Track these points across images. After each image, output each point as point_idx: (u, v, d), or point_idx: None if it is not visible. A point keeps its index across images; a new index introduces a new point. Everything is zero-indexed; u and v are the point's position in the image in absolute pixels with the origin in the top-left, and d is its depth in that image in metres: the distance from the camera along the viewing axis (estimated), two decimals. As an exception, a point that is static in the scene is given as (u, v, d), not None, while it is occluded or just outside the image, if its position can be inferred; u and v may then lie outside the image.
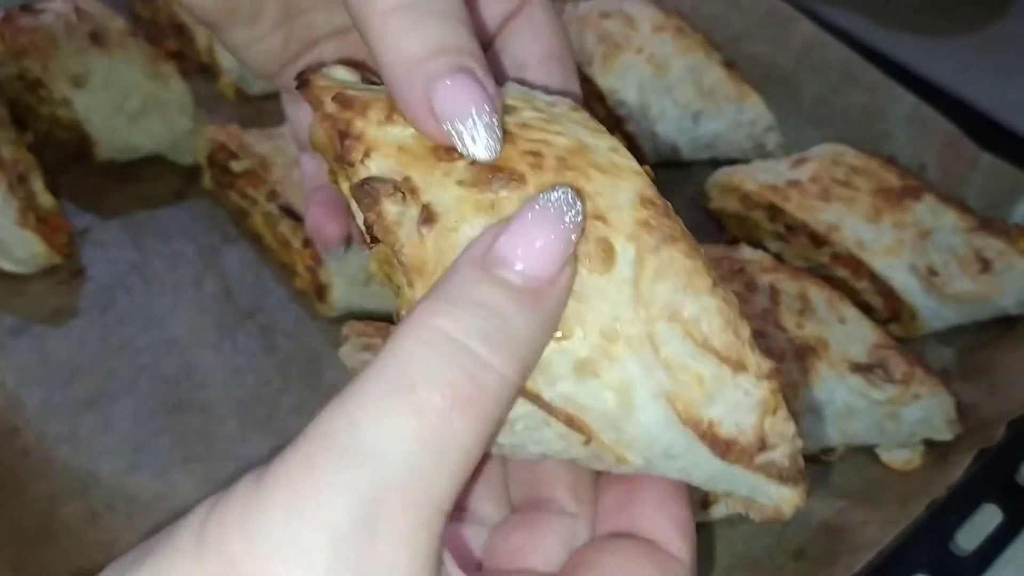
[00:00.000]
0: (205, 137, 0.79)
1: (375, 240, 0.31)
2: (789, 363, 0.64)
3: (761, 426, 0.31)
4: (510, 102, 0.33)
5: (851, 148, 0.80)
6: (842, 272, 0.75)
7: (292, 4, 0.39)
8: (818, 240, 0.75)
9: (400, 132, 0.31)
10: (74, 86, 0.79)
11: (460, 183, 0.30)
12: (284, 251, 0.75)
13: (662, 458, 0.32)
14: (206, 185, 0.81)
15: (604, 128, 0.33)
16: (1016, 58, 1.03)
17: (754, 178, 0.78)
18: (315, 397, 0.69)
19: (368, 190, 0.30)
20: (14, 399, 0.66)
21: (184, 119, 0.82)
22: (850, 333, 0.66)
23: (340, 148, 0.31)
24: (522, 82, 0.37)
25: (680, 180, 0.86)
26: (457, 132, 0.30)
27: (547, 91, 0.35)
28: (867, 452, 0.66)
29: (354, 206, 0.32)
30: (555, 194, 0.29)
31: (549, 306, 0.28)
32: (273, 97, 0.90)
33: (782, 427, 0.31)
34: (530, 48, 0.38)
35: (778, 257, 0.73)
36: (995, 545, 0.60)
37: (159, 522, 0.61)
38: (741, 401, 0.31)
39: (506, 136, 0.31)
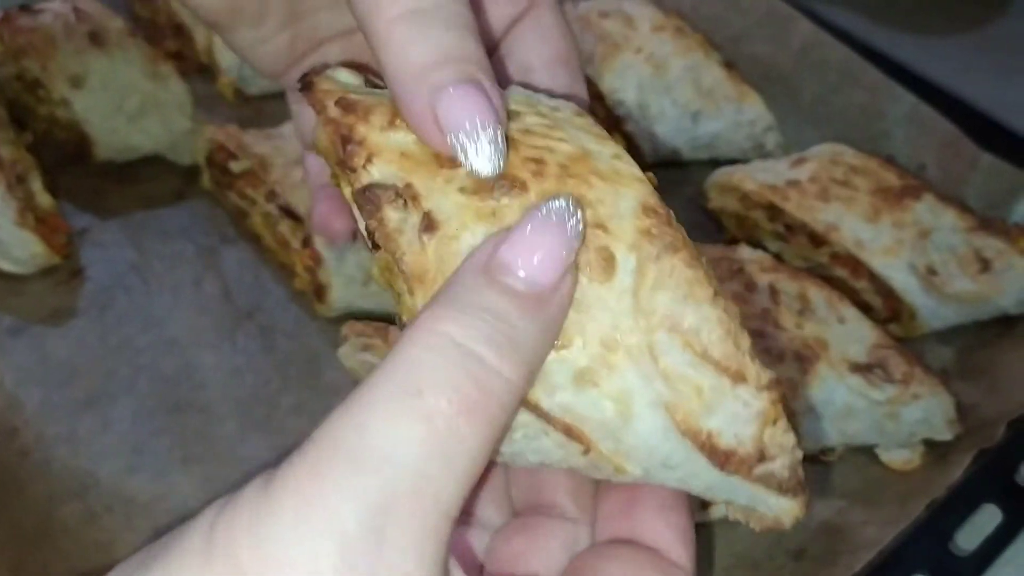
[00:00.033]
0: (204, 137, 0.79)
1: (376, 246, 0.31)
2: (789, 363, 0.64)
3: (761, 437, 0.31)
4: (513, 107, 0.33)
5: (850, 148, 0.79)
6: (841, 272, 0.75)
7: (297, 5, 0.39)
8: (817, 240, 0.75)
9: (403, 138, 0.31)
10: (73, 86, 0.79)
11: (462, 190, 0.30)
12: (283, 251, 0.75)
13: (661, 468, 0.32)
14: (205, 185, 0.81)
15: (607, 134, 0.33)
16: (1015, 57, 1.03)
17: (753, 178, 0.78)
18: (314, 397, 0.69)
19: (370, 196, 0.30)
20: (13, 399, 0.66)
21: (183, 119, 0.82)
22: (849, 333, 0.66)
23: (342, 153, 0.31)
24: (527, 85, 0.36)
25: (679, 180, 0.86)
26: (461, 145, 0.30)
27: (552, 95, 0.35)
28: (867, 452, 0.66)
29: (356, 211, 0.32)
30: (557, 203, 0.29)
31: (552, 313, 0.29)
32: (272, 97, 0.91)
33: (782, 438, 0.31)
34: (536, 51, 0.38)
35: (777, 257, 0.73)
36: (995, 545, 0.60)
37: (158, 523, 0.61)
38: (740, 412, 0.31)
39: (509, 143, 0.31)
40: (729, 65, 0.87)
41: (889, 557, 0.58)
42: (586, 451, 0.31)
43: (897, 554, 0.59)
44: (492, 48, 0.38)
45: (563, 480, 0.35)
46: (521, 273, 0.28)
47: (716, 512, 0.59)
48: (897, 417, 0.64)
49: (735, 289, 0.67)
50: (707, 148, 0.88)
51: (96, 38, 0.81)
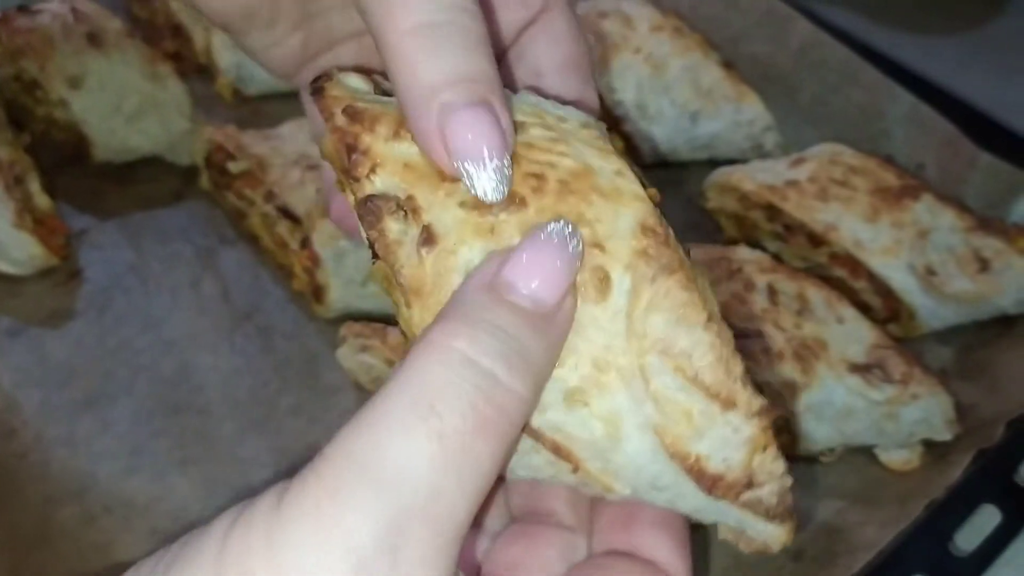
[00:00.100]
0: (202, 138, 0.79)
1: (377, 256, 0.31)
2: (787, 363, 0.64)
3: (750, 463, 0.31)
4: (519, 117, 0.33)
5: (849, 148, 0.79)
6: (840, 272, 0.75)
7: (309, 6, 0.38)
8: (816, 240, 0.75)
9: (407, 149, 0.31)
10: (71, 87, 0.79)
11: (462, 204, 0.30)
12: (282, 252, 0.75)
13: (649, 489, 0.32)
14: (203, 186, 0.81)
15: (612, 148, 0.33)
16: (1014, 57, 1.02)
17: (752, 178, 0.78)
18: (313, 398, 0.69)
19: (371, 207, 0.30)
20: (11, 401, 0.66)
21: (181, 120, 0.82)
22: (848, 333, 0.66)
23: (347, 162, 0.31)
24: (537, 90, 0.36)
25: (678, 180, 0.86)
26: (467, 171, 0.30)
27: (561, 101, 0.35)
28: (866, 452, 0.66)
29: (358, 219, 0.32)
30: (558, 225, 0.29)
31: (557, 330, 0.29)
32: (270, 98, 0.91)
33: (771, 465, 0.31)
34: (547, 55, 0.38)
35: (776, 257, 0.73)
36: (994, 546, 0.60)
37: (157, 525, 0.61)
38: (730, 437, 0.31)
39: (512, 159, 0.31)
40: (728, 65, 0.87)
41: (888, 558, 0.58)
42: (575, 470, 0.31)
43: (896, 555, 0.59)
44: (503, 53, 0.38)
45: (561, 488, 0.35)
46: (525, 292, 0.28)
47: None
48: (896, 417, 0.64)
49: (734, 289, 0.67)
50: (706, 148, 0.87)
51: (94, 39, 0.81)
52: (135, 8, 0.95)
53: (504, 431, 0.27)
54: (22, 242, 0.71)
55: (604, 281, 0.30)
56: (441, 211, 0.30)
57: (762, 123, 0.87)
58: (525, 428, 0.30)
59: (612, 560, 0.34)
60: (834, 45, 0.90)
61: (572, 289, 0.29)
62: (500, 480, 0.37)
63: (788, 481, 0.32)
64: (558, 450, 0.30)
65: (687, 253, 0.32)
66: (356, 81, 0.35)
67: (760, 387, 0.63)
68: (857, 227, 0.73)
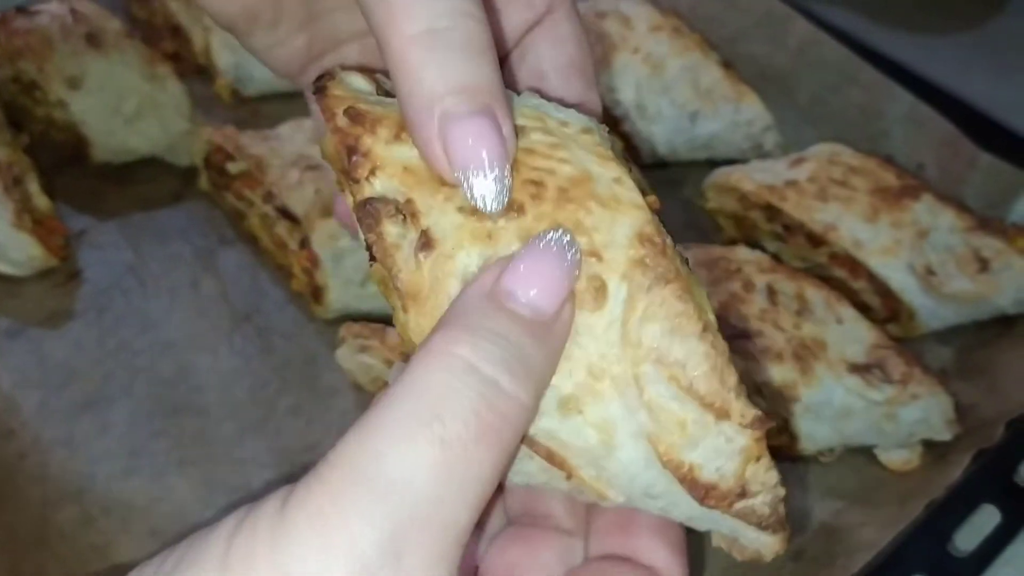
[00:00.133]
0: (201, 139, 0.79)
1: (374, 258, 0.31)
2: (787, 363, 0.64)
3: (743, 473, 0.31)
4: (521, 121, 0.33)
5: (849, 148, 0.79)
6: (840, 272, 0.74)
7: (314, 6, 0.38)
8: (816, 240, 0.75)
9: (407, 152, 0.31)
10: (70, 88, 0.79)
11: (460, 209, 0.30)
12: (280, 253, 0.75)
13: (643, 497, 0.32)
14: (203, 187, 0.81)
15: (612, 154, 0.33)
16: (1014, 56, 1.02)
17: (751, 178, 0.78)
18: (312, 399, 0.68)
19: (370, 210, 0.30)
20: (10, 402, 0.66)
21: (180, 121, 0.82)
22: (848, 333, 0.66)
23: (347, 163, 0.31)
24: (539, 92, 0.36)
25: (677, 180, 0.86)
26: (467, 180, 0.30)
27: (563, 103, 0.35)
28: (865, 453, 0.66)
29: (356, 221, 0.32)
30: (556, 234, 0.29)
31: (556, 339, 0.29)
32: (269, 99, 0.91)
33: (764, 476, 0.31)
34: (551, 58, 0.38)
35: (776, 257, 0.73)
36: (994, 546, 0.60)
37: (155, 526, 0.60)
38: (723, 447, 0.31)
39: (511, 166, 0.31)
40: (727, 65, 0.87)
41: (888, 558, 0.58)
42: (568, 477, 0.31)
43: (896, 555, 0.59)
44: (507, 53, 0.38)
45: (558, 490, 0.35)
46: (524, 300, 0.29)
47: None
48: (895, 417, 0.64)
49: (733, 289, 0.67)
50: (705, 148, 0.87)
51: (93, 40, 0.81)
52: (134, 9, 0.95)
53: (506, 438, 0.27)
54: (21, 243, 0.71)
55: (600, 290, 0.30)
56: (440, 216, 0.30)
57: (761, 123, 0.87)
58: None
59: (611, 565, 0.34)
60: (833, 45, 0.90)
61: (570, 298, 0.29)
62: (499, 485, 0.37)
63: (781, 492, 0.32)
64: (552, 457, 0.30)
65: (686, 261, 0.32)
66: (358, 81, 0.35)
67: (759, 388, 0.63)
68: (856, 227, 0.73)
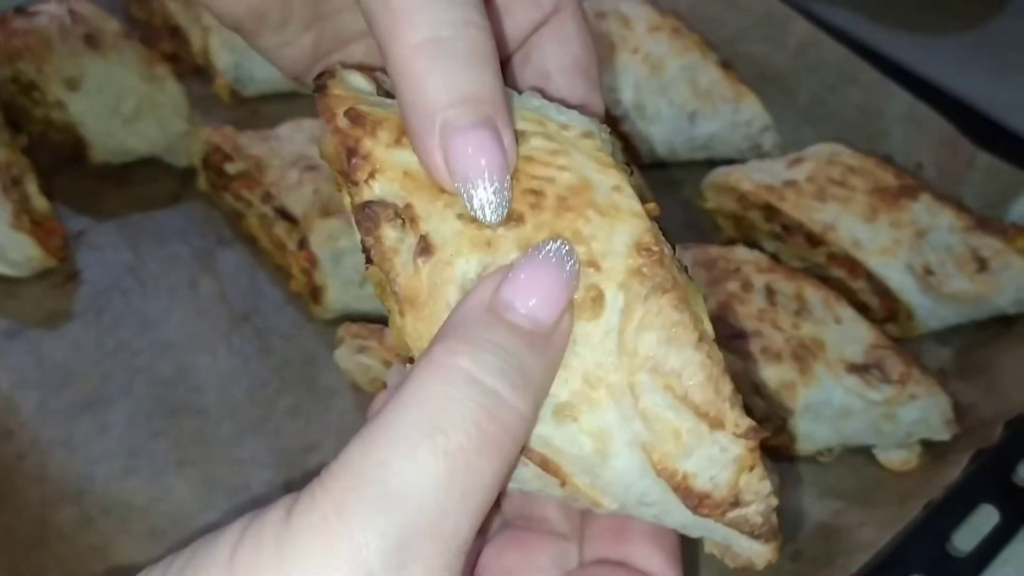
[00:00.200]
0: (200, 139, 0.79)
1: (371, 261, 0.31)
2: (785, 363, 0.64)
3: (736, 482, 0.31)
4: (521, 125, 0.33)
5: (847, 147, 0.79)
6: (838, 272, 0.74)
7: (321, 6, 0.38)
8: (814, 240, 0.75)
9: (408, 156, 0.31)
10: (68, 89, 0.79)
11: (460, 216, 0.31)
12: (279, 253, 0.75)
13: (637, 505, 0.32)
14: (201, 187, 0.81)
15: (612, 160, 0.33)
16: (1013, 56, 1.02)
17: (750, 178, 0.78)
18: (311, 399, 0.68)
19: (369, 213, 0.30)
20: (9, 402, 0.66)
21: (179, 121, 0.82)
22: (846, 333, 0.66)
23: (346, 165, 0.31)
24: (541, 91, 0.36)
25: (676, 180, 0.86)
26: (467, 191, 0.30)
27: (565, 104, 0.35)
28: (864, 453, 0.66)
29: (354, 223, 0.32)
30: (555, 244, 0.30)
31: (555, 349, 0.29)
32: (268, 99, 0.91)
33: (758, 485, 0.31)
34: (555, 58, 0.38)
35: (774, 257, 0.73)
36: (992, 546, 0.60)
37: (154, 527, 0.60)
38: (717, 456, 0.31)
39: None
40: (726, 65, 0.87)
41: (886, 558, 0.58)
42: (563, 484, 0.31)
43: (894, 555, 0.59)
44: (512, 53, 0.38)
45: None
46: (523, 311, 0.29)
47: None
48: (894, 417, 0.64)
49: (732, 289, 0.67)
50: (704, 148, 0.87)
51: (92, 40, 0.81)
52: (133, 9, 0.95)
53: (507, 449, 0.28)
54: (20, 244, 0.71)
55: (597, 299, 0.30)
56: (439, 222, 0.30)
57: (760, 123, 0.87)
58: None
59: (606, 571, 0.34)
60: (832, 45, 0.90)
61: (569, 308, 0.30)
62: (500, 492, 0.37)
63: (774, 501, 0.32)
64: (546, 465, 0.31)
65: (685, 269, 0.32)
66: (358, 80, 0.35)
67: (757, 388, 0.63)
68: (855, 227, 0.73)
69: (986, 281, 0.72)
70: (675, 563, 0.34)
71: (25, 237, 0.71)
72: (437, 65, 0.30)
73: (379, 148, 0.31)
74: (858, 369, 0.64)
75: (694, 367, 0.30)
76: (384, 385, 0.63)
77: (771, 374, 0.63)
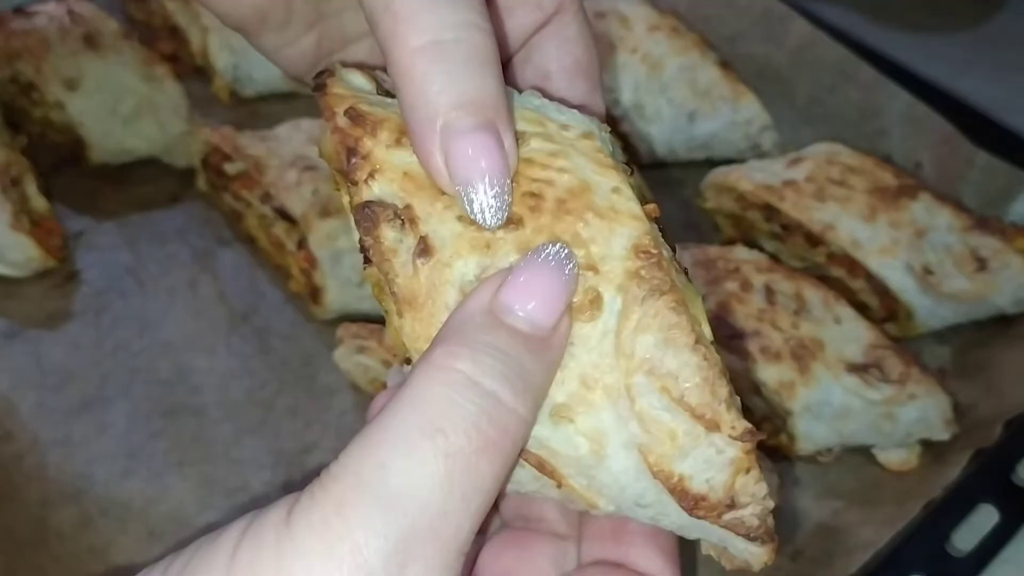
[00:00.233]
0: (199, 139, 0.79)
1: (369, 261, 0.31)
2: (785, 363, 0.64)
3: (732, 484, 0.31)
4: (521, 125, 0.33)
5: (846, 147, 0.79)
6: (838, 272, 0.74)
7: (323, 6, 0.38)
8: (814, 240, 0.75)
9: (408, 157, 0.31)
10: (67, 89, 0.79)
11: (459, 218, 0.31)
12: (278, 253, 0.75)
13: (633, 506, 0.32)
14: (200, 188, 0.81)
15: (612, 161, 0.33)
16: (1012, 55, 1.02)
17: (749, 178, 0.78)
18: (310, 400, 0.68)
19: (368, 213, 0.30)
20: (8, 403, 0.66)
21: (178, 121, 0.82)
22: (846, 333, 0.66)
23: (346, 164, 0.31)
24: (542, 91, 0.36)
25: (675, 180, 0.86)
26: (466, 195, 0.30)
27: (566, 104, 0.35)
28: (863, 452, 0.66)
29: (352, 223, 0.32)
30: (555, 248, 0.30)
31: (554, 352, 0.30)
32: (267, 99, 0.91)
33: (754, 487, 0.32)
34: (556, 58, 0.38)
35: (774, 257, 0.73)
36: (992, 545, 0.60)
37: (153, 527, 0.60)
38: (713, 459, 0.31)
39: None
40: (725, 65, 0.87)
41: (886, 558, 0.58)
42: (559, 485, 0.31)
43: (894, 554, 0.59)
44: (514, 54, 0.38)
45: None
46: (522, 314, 0.29)
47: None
48: (894, 417, 0.64)
49: (731, 289, 0.67)
50: (703, 148, 0.87)
51: (91, 40, 0.81)
52: (132, 10, 0.95)
53: (506, 451, 0.28)
54: (19, 244, 0.71)
55: (595, 301, 0.30)
56: (439, 223, 0.30)
57: (759, 123, 0.87)
58: None
59: (605, 571, 0.34)
60: (831, 44, 0.90)
61: (568, 311, 0.30)
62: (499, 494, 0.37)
63: (770, 504, 0.32)
64: (542, 466, 0.31)
65: (684, 271, 0.32)
66: (358, 79, 0.35)
67: (757, 388, 0.63)
68: (855, 227, 0.73)
69: (985, 281, 0.71)
70: (673, 564, 0.35)
71: (24, 238, 0.71)
72: (438, 68, 0.30)
73: (379, 148, 0.31)
74: (857, 369, 0.64)
75: (691, 369, 0.30)
76: (384, 385, 0.63)
77: (770, 374, 0.63)
